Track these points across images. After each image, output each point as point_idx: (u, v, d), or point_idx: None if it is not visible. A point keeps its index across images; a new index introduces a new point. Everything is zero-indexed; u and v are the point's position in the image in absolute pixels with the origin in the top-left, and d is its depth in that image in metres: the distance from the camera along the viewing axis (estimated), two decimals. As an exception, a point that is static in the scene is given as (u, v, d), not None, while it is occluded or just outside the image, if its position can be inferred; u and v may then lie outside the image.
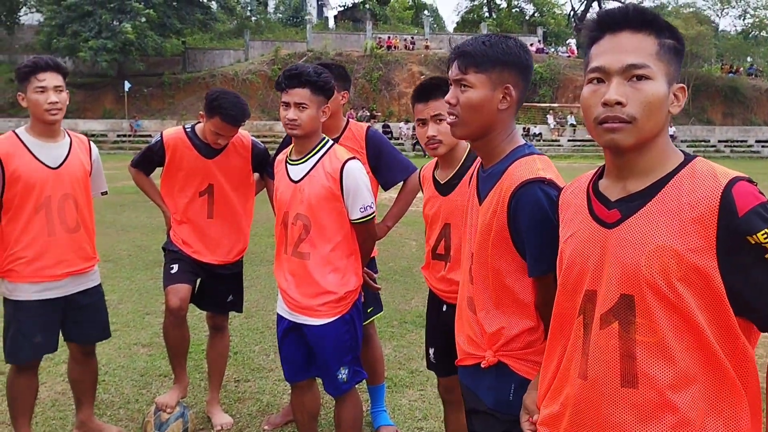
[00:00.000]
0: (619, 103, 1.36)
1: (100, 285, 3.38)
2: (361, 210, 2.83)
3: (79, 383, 3.45)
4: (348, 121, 3.45)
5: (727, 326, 1.33)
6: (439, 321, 2.81)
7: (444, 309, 2.77)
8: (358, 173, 2.81)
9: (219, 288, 3.69)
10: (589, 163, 27.94)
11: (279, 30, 43.19)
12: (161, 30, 33.81)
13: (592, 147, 34.13)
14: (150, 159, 3.61)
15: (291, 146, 2.96)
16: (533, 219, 1.76)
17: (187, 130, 3.54)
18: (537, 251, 1.77)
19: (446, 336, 2.58)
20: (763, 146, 36.93)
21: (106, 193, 3.53)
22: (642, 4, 1.67)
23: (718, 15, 51.58)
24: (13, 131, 3.13)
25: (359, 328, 2.98)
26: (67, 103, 3.13)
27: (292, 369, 3.00)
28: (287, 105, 2.74)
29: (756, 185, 1.32)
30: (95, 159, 3.37)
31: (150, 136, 31.13)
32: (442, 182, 2.74)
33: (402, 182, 3.45)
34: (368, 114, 35.01)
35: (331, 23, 50.67)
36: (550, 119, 36.84)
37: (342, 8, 50.21)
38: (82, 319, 3.27)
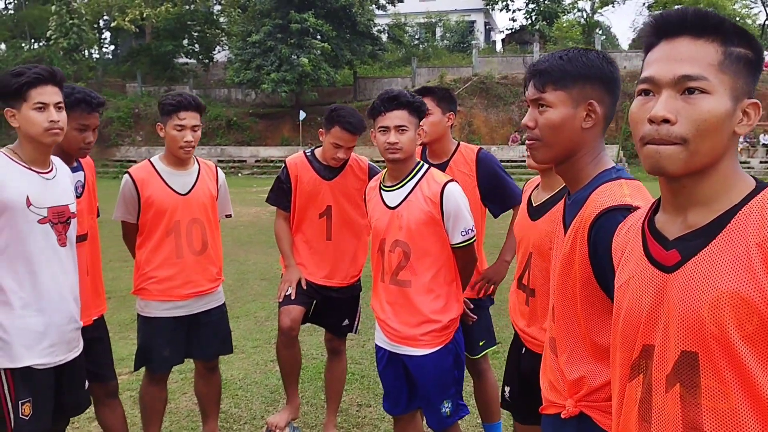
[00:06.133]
0: (666, 121, 1.15)
1: (223, 304, 3.54)
2: (462, 234, 2.72)
3: (204, 397, 3.63)
4: (458, 144, 3.35)
5: None
6: (519, 362, 2.55)
7: (523, 351, 2.50)
8: (458, 195, 2.72)
9: (334, 312, 3.71)
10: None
11: (445, 56, 43.71)
12: (334, 61, 35.73)
13: (790, 170, 30.52)
14: (282, 190, 3.62)
15: (383, 173, 2.92)
16: None
17: (307, 154, 3.64)
18: None
19: (522, 379, 2.42)
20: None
21: (230, 215, 3.71)
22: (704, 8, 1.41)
23: None
24: (149, 160, 3.39)
25: (463, 358, 2.86)
26: (199, 138, 3.31)
27: (392, 401, 2.94)
28: (386, 129, 2.70)
29: None
30: (221, 184, 3.55)
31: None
32: (534, 204, 2.42)
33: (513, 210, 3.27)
34: (533, 136, 34.19)
35: (499, 47, 50.42)
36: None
37: (510, 31, 49.78)
38: (203, 336, 3.44)
